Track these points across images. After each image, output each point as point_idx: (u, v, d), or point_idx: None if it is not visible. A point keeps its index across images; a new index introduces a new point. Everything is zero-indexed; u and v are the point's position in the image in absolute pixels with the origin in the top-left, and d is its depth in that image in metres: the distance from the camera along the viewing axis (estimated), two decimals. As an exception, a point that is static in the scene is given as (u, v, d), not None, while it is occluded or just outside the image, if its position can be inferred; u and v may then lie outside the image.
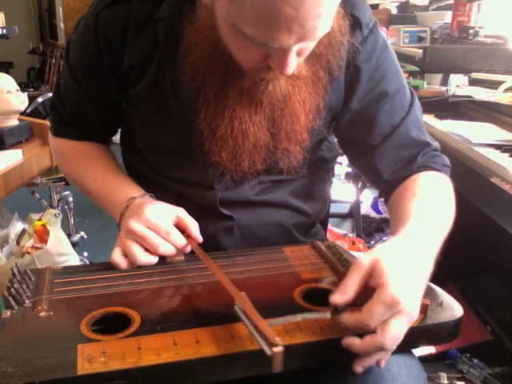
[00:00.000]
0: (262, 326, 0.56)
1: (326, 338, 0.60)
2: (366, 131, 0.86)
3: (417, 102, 0.88)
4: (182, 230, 0.78)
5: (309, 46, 0.69)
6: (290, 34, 0.60)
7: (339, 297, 0.59)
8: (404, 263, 0.61)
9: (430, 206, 0.76)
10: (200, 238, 0.79)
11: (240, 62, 0.71)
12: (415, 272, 0.62)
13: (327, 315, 0.61)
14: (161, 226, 0.75)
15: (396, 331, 0.58)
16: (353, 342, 0.58)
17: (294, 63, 0.67)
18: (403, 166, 0.85)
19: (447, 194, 0.81)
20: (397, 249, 0.64)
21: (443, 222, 0.75)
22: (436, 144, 0.89)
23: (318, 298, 0.67)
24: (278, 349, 0.53)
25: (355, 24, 0.80)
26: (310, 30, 0.61)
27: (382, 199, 0.91)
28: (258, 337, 0.56)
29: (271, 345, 0.54)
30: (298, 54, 0.68)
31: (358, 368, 0.61)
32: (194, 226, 0.78)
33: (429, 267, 0.65)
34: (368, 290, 0.59)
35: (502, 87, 1.62)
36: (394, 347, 0.60)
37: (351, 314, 0.59)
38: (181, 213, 0.79)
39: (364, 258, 0.61)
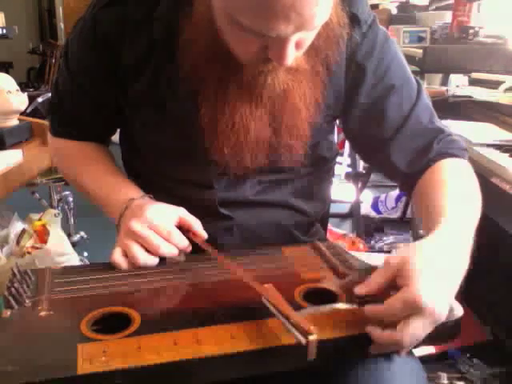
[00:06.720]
0: (293, 316, 0.59)
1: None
2: (378, 126, 0.85)
3: (424, 90, 0.88)
4: (186, 228, 0.78)
5: (308, 36, 0.68)
6: (287, 22, 0.60)
7: (362, 287, 0.63)
8: (434, 264, 0.61)
9: (461, 197, 0.75)
10: (205, 234, 0.79)
11: (238, 55, 0.71)
12: (446, 273, 0.61)
13: (354, 306, 0.63)
14: (162, 227, 0.75)
15: (415, 331, 0.58)
16: (374, 330, 0.60)
17: (292, 54, 0.66)
18: (419, 156, 0.84)
19: (472, 181, 0.80)
20: (429, 248, 0.64)
21: (474, 212, 0.74)
22: (450, 129, 0.88)
23: (319, 297, 0.67)
24: (314, 337, 0.56)
25: (353, 21, 0.80)
26: (307, 18, 0.60)
27: (384, 197, 0.91)
28: (290, 327, 0.58)
29: (306, 333, 0.56)
30: (297, 46, 0.67)
31: (373, 351, 0.62)
32: (197, 224, 0.79)
33: (464, 265, 0.65)
34: (395, 290, 0.61)
35: (502, 87, 1.62)
36: (413, 344, 0.61)
37: (373, 305, 0.60)
38: (182, 212, 0.79)
39: (393, 258, 0.62)
